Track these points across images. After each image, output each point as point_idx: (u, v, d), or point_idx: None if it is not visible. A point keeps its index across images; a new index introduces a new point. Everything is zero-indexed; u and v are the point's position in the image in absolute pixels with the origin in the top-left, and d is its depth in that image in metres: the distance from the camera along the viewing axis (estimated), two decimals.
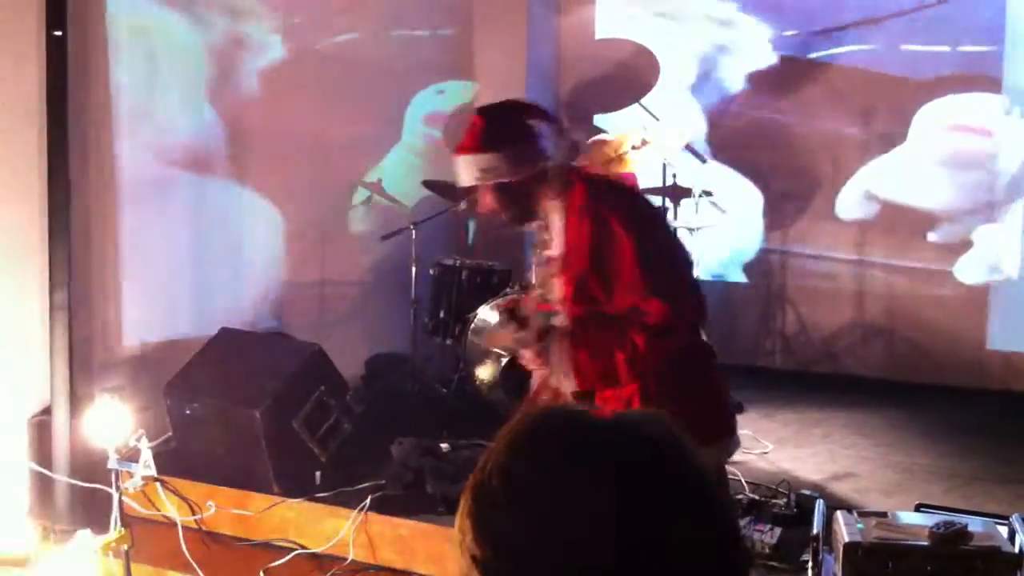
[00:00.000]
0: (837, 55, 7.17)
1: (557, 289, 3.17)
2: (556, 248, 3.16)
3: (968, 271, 6.86)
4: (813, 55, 7.21)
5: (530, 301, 3.34)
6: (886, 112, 7.04)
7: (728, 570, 1.08)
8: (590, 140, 6.76)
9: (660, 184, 6.33)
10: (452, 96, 7.41)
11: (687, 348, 3.15)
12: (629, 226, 3.04)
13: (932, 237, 6.93)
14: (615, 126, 7.28)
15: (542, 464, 1.08)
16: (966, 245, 6.85)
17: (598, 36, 7.96)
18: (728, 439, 3.15)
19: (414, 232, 6.13)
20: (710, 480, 1.11)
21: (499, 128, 3.18)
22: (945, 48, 6.91)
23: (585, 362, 3.06)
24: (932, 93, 6.91)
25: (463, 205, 6.27)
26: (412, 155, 7.12)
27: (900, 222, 6.98)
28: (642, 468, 1.07)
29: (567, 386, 3.11)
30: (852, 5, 7.13)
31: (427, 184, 6.46)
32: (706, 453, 2.99)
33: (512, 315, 3.23)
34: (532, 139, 3.15)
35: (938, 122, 6.91)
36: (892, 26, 7.04)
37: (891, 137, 7.00)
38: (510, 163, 3.12)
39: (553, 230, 3.16)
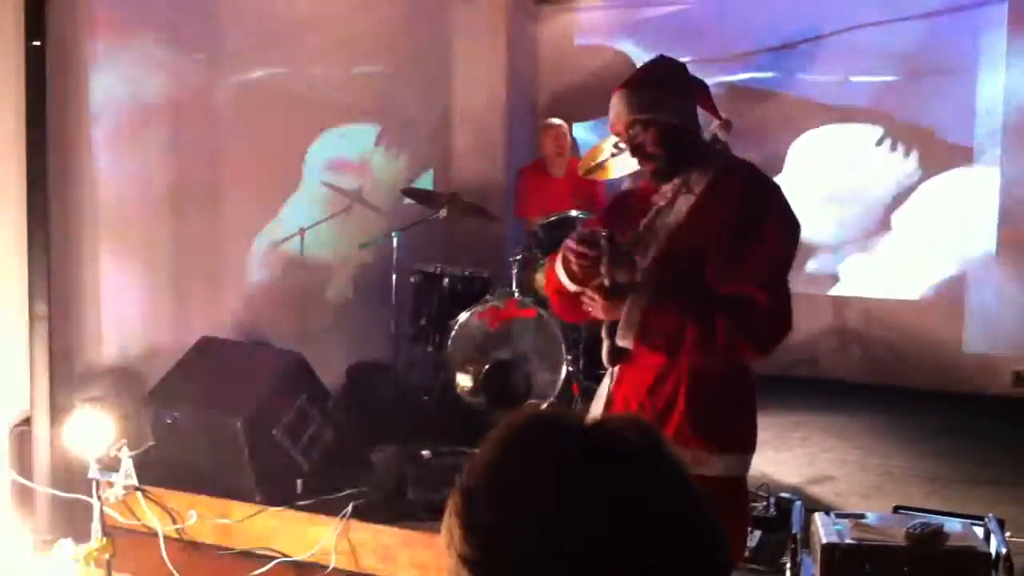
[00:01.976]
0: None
1: (663, 254, 2.99)
2: (677, 216, 2.99)
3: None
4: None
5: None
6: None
7: (708, 570, 1.11)
8: (542, 123, 6.87)
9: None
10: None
11: (744, 363, 3.05)
12: (785, 224, 2.94)
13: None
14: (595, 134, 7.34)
15: (525, 466, 1.11)
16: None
17: (577, 43, 8.01)
18: (751, 454, 3.10)
19: (395, 240, 6.15)
20: (691, 484, 1.14)
21: (673, 71, 3.08)
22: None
23: (655, 320, 2.90)
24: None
25: (443, 213, 6.31)
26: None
27: None
28: (625, 471, 1.10)
29: (623, 339, 2.94)
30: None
31: (407, 192, 6.48)
32: (731, 461, 2.97)
33: (614, 243, 2.93)
34: (695, 97, 3.07)
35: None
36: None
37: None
38: (680, 107, 3.01)
39: (682, 198, 2.99)
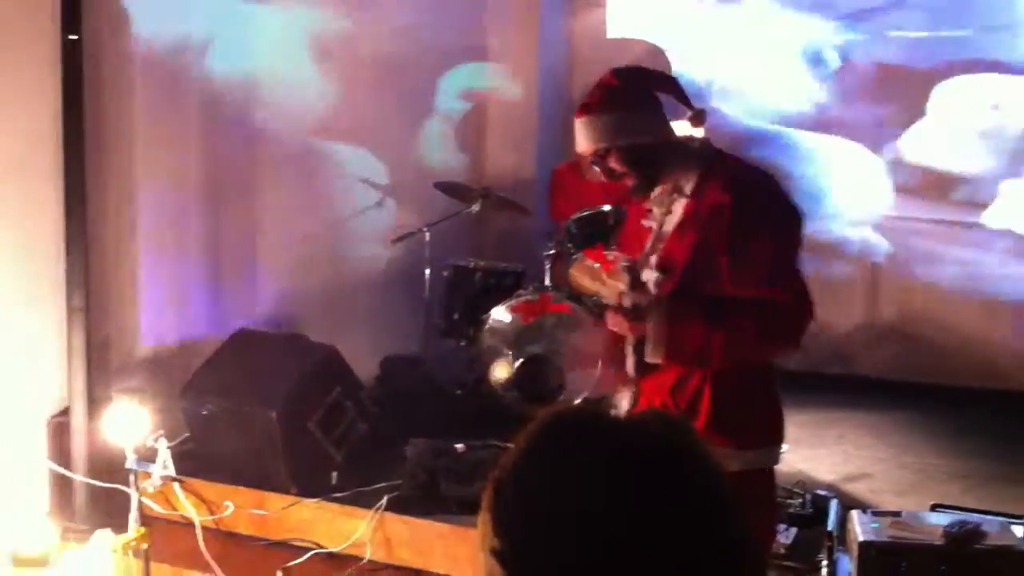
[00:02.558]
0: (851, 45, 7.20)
1: (672, 259, 2.98)
2: (674, 220, 2.98)
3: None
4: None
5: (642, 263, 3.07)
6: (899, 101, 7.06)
7: (736, 570, 1.11)
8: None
9: None
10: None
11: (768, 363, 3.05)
12: (784, 216, 2.94)
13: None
14: None
15: (553, 462, 1.12)
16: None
17: (609, 36, 7.98)
18: (780, 444, 3.09)
19: (427, 234, 6.16)
20: (721, 482, 1.14)
21: (631, 87, 3.05)
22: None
23: (680, 333, 2.89)
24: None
25: (476, 207, 6.31)
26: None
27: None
28: (652, 468, 1.10)
29: (653, 356, 2.93)
30: None
31: (439, 186, 6.48)
32: (759, 455, 2.96)
33: (633, 272, 2.97)
34: (659, 103, 3.03)
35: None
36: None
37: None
38: (645, 124, 2.99)
39: (677, 202, 2.98)
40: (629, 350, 3.05)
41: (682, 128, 3.08)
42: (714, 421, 2.91)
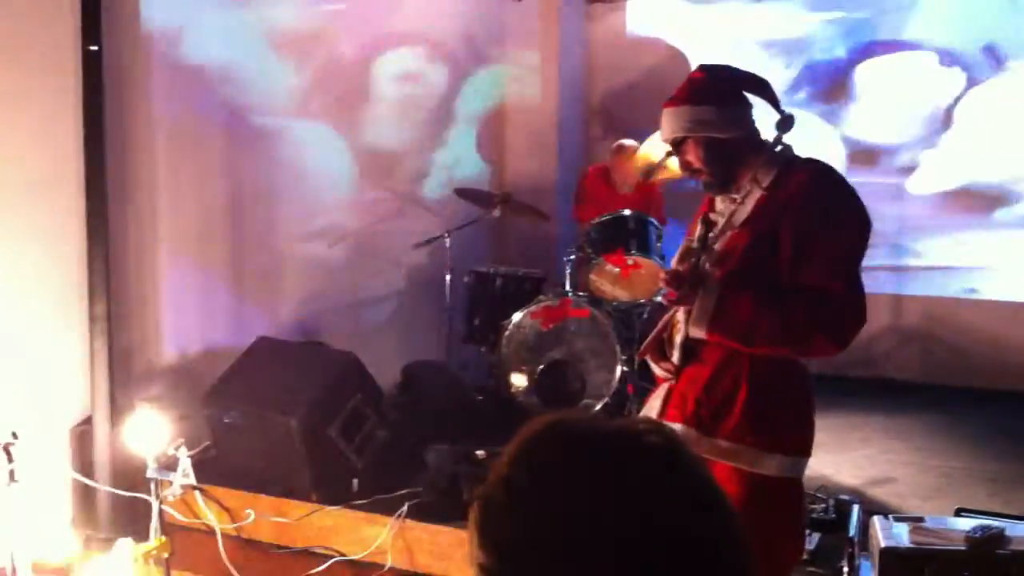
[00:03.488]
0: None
1: (730, 247, 2.97)
2: (745, 212, 2.97)
3: None
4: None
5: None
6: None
7: (735, 571, 1.09)
8: (614, 145, 6.75)
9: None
10: None
11: (803, 364, 3.02)
12: (859, 219, 2.91)
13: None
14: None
15: (541, 472, 1.11)
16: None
17: (629, 38, 7.97)
18: (807, 458, 3.04)
19: (447, 240, 6.17)
20: (713, 487, 1.12)
21: (718, 83, 3.05)
22: None
23: (729, 308, 2.88)
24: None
25: (496, 212, 6.31)
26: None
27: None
28: (643, 476, 1.09)
29: (696, 327, 2.93)
30: None
31: (460, 192, 6.49)
32: (787, 462, 2.93)
33: (697, 252, 2.99)
34: (747, 102, 3.04)
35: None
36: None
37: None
38: (724, 119, 2.99)
39: (751, 196, 2.98)
40: (677, 340, 3.04)
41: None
42: (747, 419, 2.89)
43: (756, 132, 3.05)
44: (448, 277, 6.20)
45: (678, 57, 7.65)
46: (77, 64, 4.59)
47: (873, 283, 7.02)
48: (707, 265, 2.97)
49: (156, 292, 5.17)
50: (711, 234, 3.02)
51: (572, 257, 6.04)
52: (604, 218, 6.10)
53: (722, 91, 3.04)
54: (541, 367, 5.70)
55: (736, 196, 3.01)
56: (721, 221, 3.03)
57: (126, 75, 4.91)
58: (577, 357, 5.79)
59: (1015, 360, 6.73)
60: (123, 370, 4.88)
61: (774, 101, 3.06)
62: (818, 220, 2.87)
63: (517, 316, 5.83)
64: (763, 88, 3.08)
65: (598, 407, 5.66)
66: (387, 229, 6.61)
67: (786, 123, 3.02)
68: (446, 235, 6.18)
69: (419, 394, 6.10)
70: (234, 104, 5.55)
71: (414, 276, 6.74)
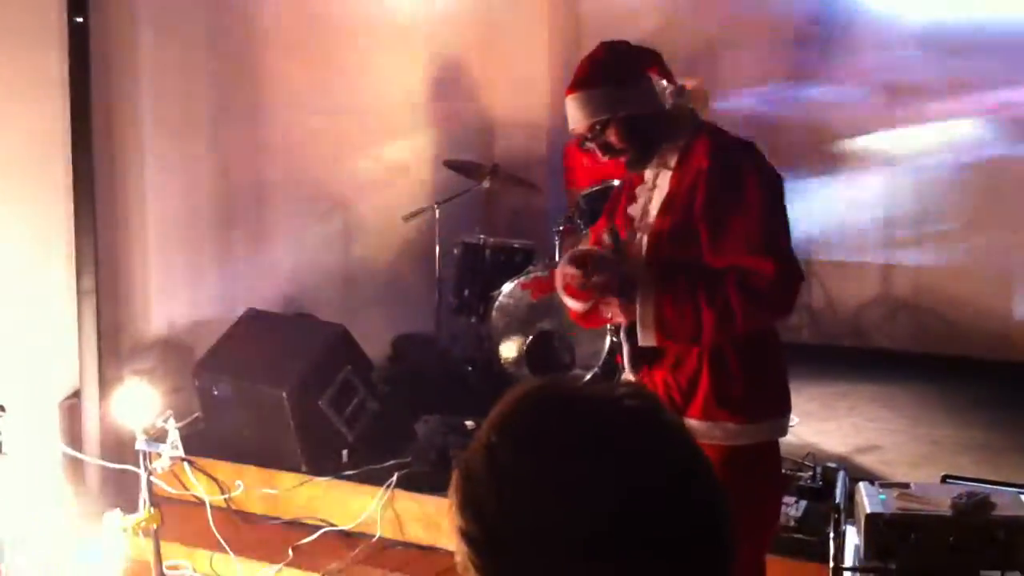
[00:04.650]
0: None
1: (655, 235, 2.96)
2: (661, 196, 2.96)
3: None
4: None
5: (604, 247, 3.05)
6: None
7: (714, 539, 1.10)
8: None
9: None
10: None
11: (769, 329, 3.02)
12: (762, 182, 2.89)
13: None
14: None
15: (520, 438, 1.11)
16: None
17: (620, 10, 7.92)
18: (786, 416, 3.06)
19: (437, 212, 6.16)
20: (694, 451, 1.13)
21: (627, 61, 3.02)
22: None
23: (671, 314, 2.85)
24: None
25: (486, 184, 6.30)
26: None
27: None
28: (623, 441, 1.09)
29: (645, 340, 2.90)
30: None
31: (448, 164, 6.47)
32: (764, 428, 2.94)
33: (584, 261, 2.94)
34: (649, 76, 3.00)
35: None
36: None
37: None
38: (640, 95, 2.96)
39: (663, 178, 2.97)
40: (623, 336, 3.03)
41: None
42: (716, 397, 2.89)
43: (662, 106, 3.00)
44: (438, 249, 6.19)
45: (671, 26, 7.60)
46: (63, 36, 4.57)
47: (862, 253, 7.09)
48: (636, 259, 2.95)
49: (145, 265, 5.16)
50: (636, 223, 3.01)
51: (561, 228, 6.03)
52: (594, 189, 6.08)
53: (631, 68, 3.01)
54: (531, 338, 5.70)
55: (652, 182, 3.00)
56: (639, 211, 3.02)
57: (113, 47, 4.88)
58: (567, 328, 5.79)
59: (1005, 330, 6.74)
60: (112, 343, 4.88)
61: (668, 73, 3.04)
62: (727, 195, 2.85)
63: (507, 287, 5.83)
64: (658, 60, 3.06)
65: (587, 377, 5.66)
66: (376, 201, 6.59)
67: (681, 94, 3.00)
68: (435, 207, 6.17)
69: (409, 366, 6.11)
70: (224, 76, 5.52)
71: (403, 248, 6.73)
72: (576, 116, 3.00)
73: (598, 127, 2.97)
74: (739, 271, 2.82)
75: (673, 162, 2.96)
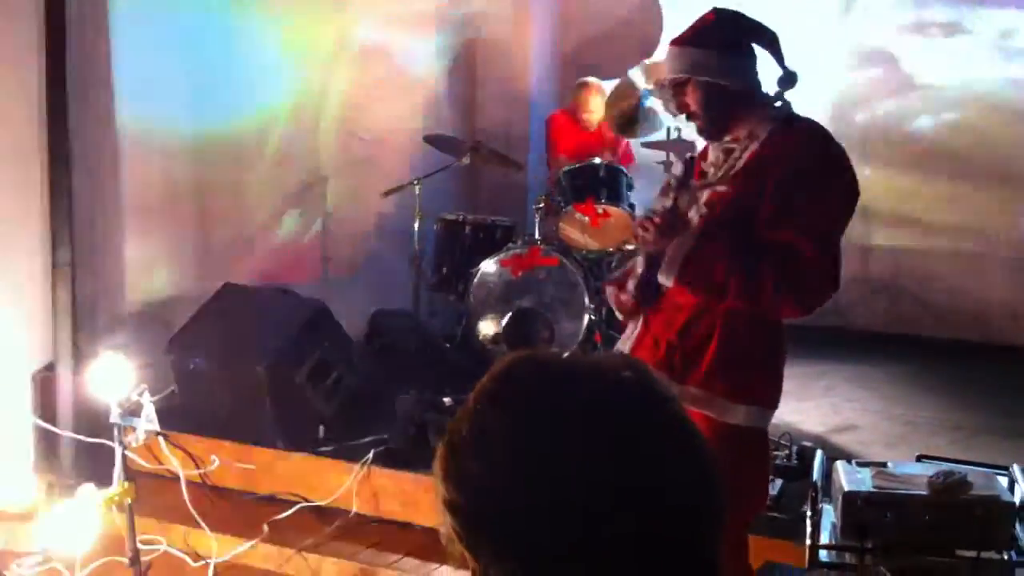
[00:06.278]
0: None
1: (715, 199, 2.95)
2: (738, 166, 2.95)
3: None
4: None
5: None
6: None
7: (707, 509, 1.08)
8: (577, 82, 6.66)
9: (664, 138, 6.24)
10: None
11: (781, 325, 3.02)
12: (847, 190, 2.90)
13: None
14: None
15: (509, 408, 1.09)
16: None
17: None
18: (773, 410, 3.06)
19: (417, 188, 6.12)
20: (686, 424, 1.11)
21: (725, 29, 3.00)
22: None
23: (701, 258, 2.85)
24: None
25: (466, 160, 6.26)
26: None
27: None
28: (615, 413, 1.07)
29: (666, 274, 2.89)
30: None
31: (428, 139, 6.43)
32: (754, 412, 2.92)
33: (689, 170, 2.96)
34: (752, 53, 2.99)
35: None
36: None
37: None
38: (727, 66, 2.94)
39: (745, 150, 2.95)
40: (638, 271, 3.02)
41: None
42: (719, 368, 2.89)
43: (758, 85, 3.00)
44: (417, 225, 6.16)
45: (652, 7, 7.57)
46: (39, 5, 4.49)
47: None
48: (688, 211, 2.94)
49: (120, 238, 5.10)
50: (701, 182, 2.99)
51: (541, 205, 6.01)
52: (575, 166, 6.07)
53: (728, 37, 2.99)
54: (509, 315, 5.69)
55: (734, 147, 2.98)
56: (711, 171, 3.01)
57: (88, 17, 4.80)
58: (546, 305, 5.78)
59: (981, 311, 6.78)
60: (87, 316, 4.83)
61: (780, 56, 3.01)
62: (802, 182, 2.84)
63: (486, 264, 5.81)
64: (771, 41, 3.02)
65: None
66: (356, 176, 6.54)
67: (789, 80, 2.99)
68: (415, 182, 6.13)
69: (387, 342, 6.09)
70: (202, 46, 5.45)
71: (382, 224, 6.69)
72: (666, 67, 3.02)
73: (680, 82, 2.98)
74: (782, 247, 2.80)
75: (760, 139, 2.93)
